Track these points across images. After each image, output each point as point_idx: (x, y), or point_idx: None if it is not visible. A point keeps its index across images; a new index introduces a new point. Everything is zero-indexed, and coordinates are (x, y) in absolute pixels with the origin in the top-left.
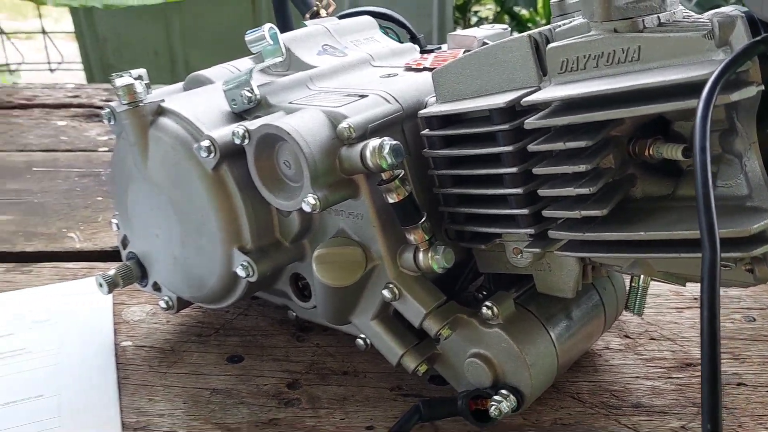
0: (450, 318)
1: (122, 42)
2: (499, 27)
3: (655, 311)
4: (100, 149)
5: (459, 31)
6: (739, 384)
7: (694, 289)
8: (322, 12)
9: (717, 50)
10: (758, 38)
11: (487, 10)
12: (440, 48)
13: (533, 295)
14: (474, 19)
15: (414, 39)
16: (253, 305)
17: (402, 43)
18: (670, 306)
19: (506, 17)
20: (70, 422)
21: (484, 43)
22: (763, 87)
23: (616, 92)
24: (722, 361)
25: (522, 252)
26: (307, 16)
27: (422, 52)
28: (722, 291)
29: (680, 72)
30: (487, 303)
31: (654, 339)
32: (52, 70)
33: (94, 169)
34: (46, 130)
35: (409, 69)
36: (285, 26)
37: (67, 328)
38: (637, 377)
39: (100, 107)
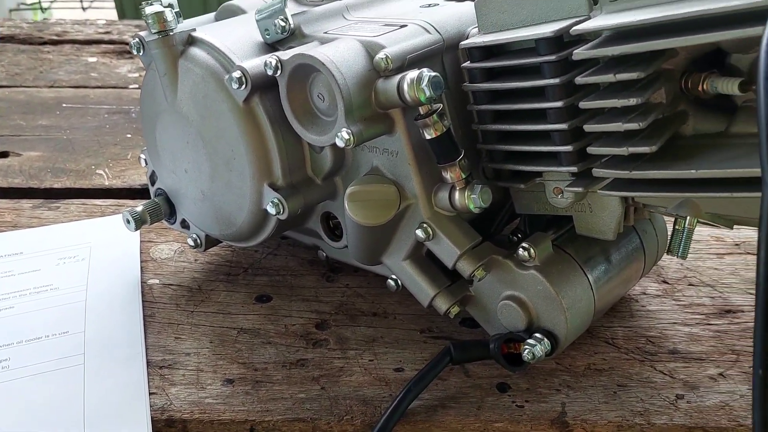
0: (485, 259)
1: None
2: None
3: (695, 257)
4: (131, 86)
5: None
6: None
7: (735, 234)
8: None
9: None
10: None
11: None
12: None
13: (571, 238)
14: None
15: None
16: (283, 245)
17: None
18: (710, 252)
19: None
20: (94, 359)
21: None
22: None
23: (672, 20)
24: None
25: (563, 191)
26: None
27: None
28: None
29: None
30: (524, 244)
31: (693, 285)
32: (84, 8)
33: (124, 107)
34: (76, 67)
35: None
36: None
37: (93, 265)
38: (675, 323)
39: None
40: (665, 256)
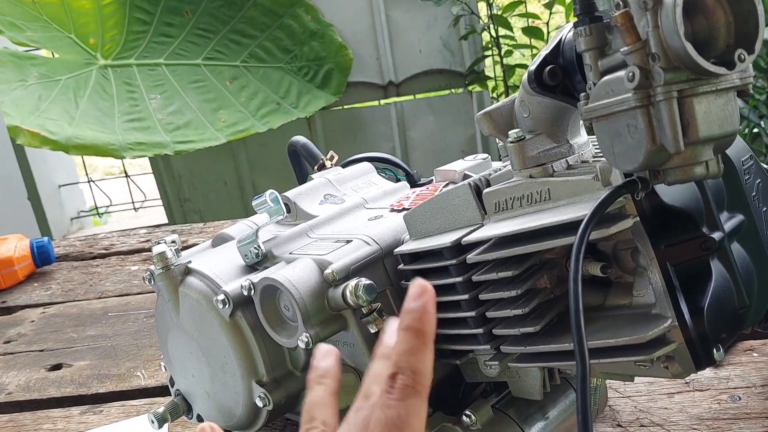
0: (437, 427)
1: (195, 176)
2: (480, 157)
3: (647, 398)
4: None
5: (443, 166)
6: None
7: None
8: (327, 163)
9: (604, 189)
10: (620, 183)
11: None
12: (431, 181)
13: (513, 400)
14: None
15: (408, 176)
16: (288, 425)
17: (399, 179)
18: (662, 392)
19: None
20: None
21: (466, 175)
22: (638, 218)
23: (529, 230)
24: None
25: (488, 364)
26: (315, 168)
27: (415, 185)
28: (711, 372)
29: (573, 212)
30: (467, 411)
31: (644, 426)
32: (136, 209)
33: None
34: (120, 276)
35: (393, 210)
36: (302, 178)
37: None
38: None
39: None
40: (621, 400)
